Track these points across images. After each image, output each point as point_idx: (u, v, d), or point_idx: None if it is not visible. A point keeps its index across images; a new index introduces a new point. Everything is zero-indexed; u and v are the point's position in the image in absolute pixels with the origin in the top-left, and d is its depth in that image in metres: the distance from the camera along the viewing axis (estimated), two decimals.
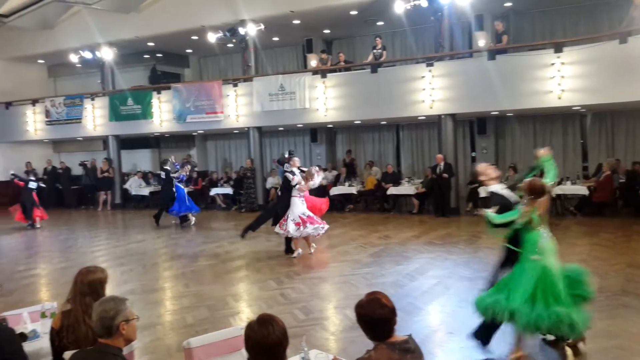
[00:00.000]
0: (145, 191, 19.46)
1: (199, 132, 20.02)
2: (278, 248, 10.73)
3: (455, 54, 14.89)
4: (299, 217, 9.85)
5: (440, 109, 14.41)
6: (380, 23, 17.80)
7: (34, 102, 20.99)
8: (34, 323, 4.53)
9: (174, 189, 14.64)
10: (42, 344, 4.11)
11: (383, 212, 15.96)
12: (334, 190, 16.45)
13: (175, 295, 8.00)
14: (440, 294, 7.42)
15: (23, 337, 4.10)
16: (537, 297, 4.83)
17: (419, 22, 16.37)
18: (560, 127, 16.50)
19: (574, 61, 12.73)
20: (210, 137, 22.32)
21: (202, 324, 6.44)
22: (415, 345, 2.96)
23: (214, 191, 18.54)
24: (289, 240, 10.24)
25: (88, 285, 3.70)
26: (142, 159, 21.98)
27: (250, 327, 2.69)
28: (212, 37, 17.35)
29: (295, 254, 10.11)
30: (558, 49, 12.94)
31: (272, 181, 17.54)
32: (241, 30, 16.80)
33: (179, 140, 22.21)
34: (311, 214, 10.00)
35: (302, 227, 9.80)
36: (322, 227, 10.03)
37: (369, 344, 2.97)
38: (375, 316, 2.90)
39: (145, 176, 19.91)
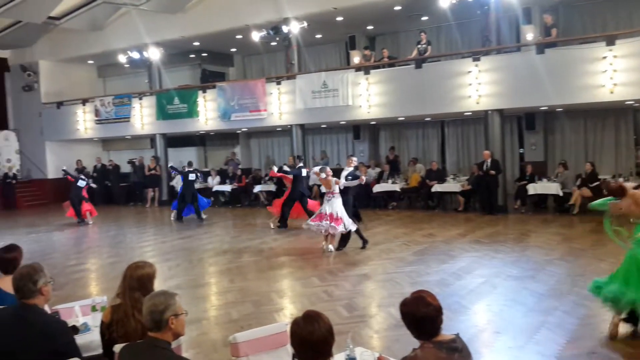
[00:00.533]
0: None
1: (243, 130, 20.24)
2: (320, 245, 10.76)
3: (503, 48, 14.57)
4: (317, 214, 10.32)
5: (487, 104, 14.14)
6: (424, 18, 17.57)
7: (84, 101, 21.62)
8: (85, 316, 4.63)
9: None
10: (93, 337, 4.18)
11: (427, 210, 15.76)
12: (377, 188, 16.34)
13: (220, 291, 8.10)
14: (487, 293, 7.27)
15: (75, 330, 4.20)
16: (616, 275, 5.38)
17: (465, 16, 16.10)
18: (612, 123, 15.93)
19: (627, 54, 12.30)
20: (253, 134, 22.53)
21: (246, 319, 6.49)
22: (462, 344, 2.91)
23: (257, 188, 18.68)
24: (344, 236, 10.36)
25: (137, 280, 3.75)
26: (188, 157, 22.34)
27: (296, 323, 2.69)
28: (255, 36, 17.50)
29: (329, 249, 10.21)
30: (610, 41, 12.52)
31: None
32: (284, 29, 16.87)
33: (224, 138, 22.50)
34: (328, 214, 10.04)
35: (314, 222, 10.22)
36: (322, 225, 10.04)
37: (414, 343, 2.92)
38: (419, 314, 2.85)
39: None
